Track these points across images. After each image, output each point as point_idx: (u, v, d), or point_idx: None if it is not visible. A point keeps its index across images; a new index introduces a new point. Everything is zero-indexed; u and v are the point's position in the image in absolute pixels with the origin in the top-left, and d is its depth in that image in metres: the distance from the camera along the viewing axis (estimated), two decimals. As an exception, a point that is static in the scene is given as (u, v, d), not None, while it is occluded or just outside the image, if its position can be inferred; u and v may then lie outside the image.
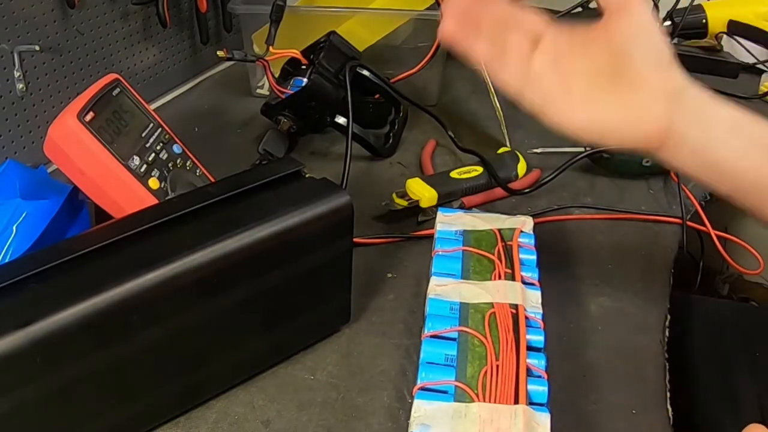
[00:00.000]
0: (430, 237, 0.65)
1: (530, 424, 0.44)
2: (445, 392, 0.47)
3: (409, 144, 0.89)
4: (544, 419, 0.45)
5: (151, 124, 0.65)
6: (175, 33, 1.01)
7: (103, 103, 0.61)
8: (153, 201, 0.61)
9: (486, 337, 0.50)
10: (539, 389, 0.47)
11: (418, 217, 0.74)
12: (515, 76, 0.48)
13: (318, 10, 0.99)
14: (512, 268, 0.57)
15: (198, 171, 0.68)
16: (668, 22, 1.15)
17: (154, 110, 0.67)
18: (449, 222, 0.63)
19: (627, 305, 0.64)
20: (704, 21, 1.14)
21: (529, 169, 0.82)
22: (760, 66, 1.17)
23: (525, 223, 0.63)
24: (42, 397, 0.41)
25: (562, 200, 0.79)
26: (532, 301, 0.55)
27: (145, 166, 0.62)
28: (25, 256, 0.55)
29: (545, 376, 0.48)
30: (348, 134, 0.79)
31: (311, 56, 0.85)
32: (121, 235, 0.46)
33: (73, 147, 0.58)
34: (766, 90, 1.08)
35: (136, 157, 0.61)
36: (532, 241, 0.62)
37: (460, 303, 0.54)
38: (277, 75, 0.87)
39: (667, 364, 0.58)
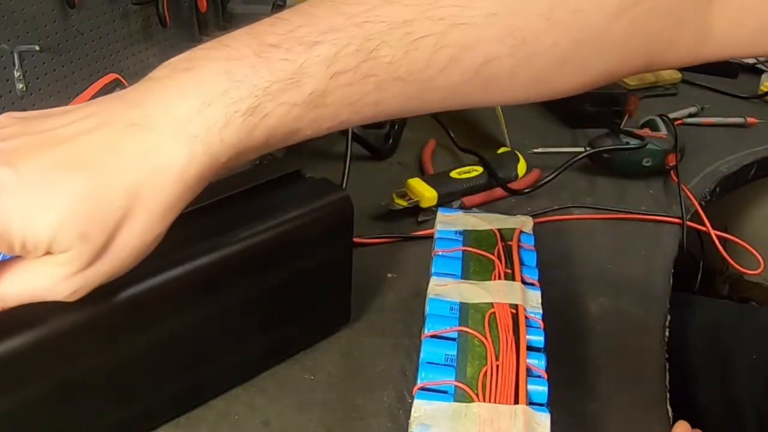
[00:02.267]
0: (430, 237, 0.65)
1: (530, 424, 0.44)
2: (445, 392, 0.47)
3: (409, 144, 0.89)
4: (544, 419, 0.45)
5: (151, 124, 0.65)
6: (175, 33, 1.01)
7: (103, 103, 0.61)
8: (153, 201, 0.61)
9: (486, 337, 0.50)
10: (539, 389, 0.47)
11: (418, 217, 0.74)
12: None
13: (318, 10, 0.99)
14: (512, 268, 0.57)
15: (198, 171, 0.67)
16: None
17: (154, 110, 0.67)
18: (449, 222, 0.63)
19: (627, 305, 0.64)
20: (704, 21, 1.14)
21: (529, 169, 0.82)
22: (760, 66, 1.17)
23: (525, 223, 0.63)
24: (42, 398, 0.41)
25: (562, 200, 0.79)
26: (532, 301, 0.55)
27: (145, 166, 0.61)
28: (25, 256, 0.55)
29: (545, 376, 0.48)
30: (348, 134, 0.79)
31: (311, 56, 0.85)
32: (121, 235, 0.46)
33: (73, 147, 0.58)
34: (766, 90, 1.08)
35: (136, 157, 0.61)
36: (532, 241, 0.61)
37: (460, 303, 0.54)
38: (277, 75, 0.86)
39: (667, 364, 0.58)
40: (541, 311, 0.54)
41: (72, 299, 0.36)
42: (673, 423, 0.53)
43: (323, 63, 0.36)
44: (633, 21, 0.41)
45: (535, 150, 0.86)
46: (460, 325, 0.51)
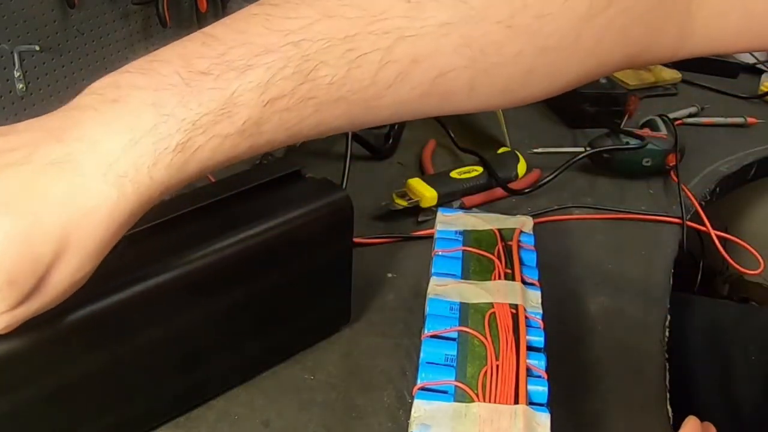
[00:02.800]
0: (430, 237, 0.65)
1: (530, 424, 0.44)
2: (445, 392, 0.47)
3: (409, 144, 0.89)
4: (544, 419, 0.45)
5: (151, 124, 0.65)
6: (175, 33, 1.01)
7: (103, 103, 0.61)
8: (153, 201, 0.61)
9: (486, 337, 0.50)
10: (539, 389, 0.47)
11: (418, 217, 0.74)
12: None
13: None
14: (512, 268, 0.57)
15: (198, 171, 0.67)
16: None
17: (154, 110, 0.67)
18: (449, 222, 0.63)
19: (627, 305, 0.64)
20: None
21: (529, 169, 0.82)
22: (760, 66, 1.17)
23: (525, 223, 0.63)
24: (42, 398, 0.41)
25: (562, 200, 0.79)
26: (532, 301, 0.55)
27: (145, 166, 0.61)
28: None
29: (545, 376, 0.48)
30: (348, 134, 0.79)
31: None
32: (121, 235, 0.46)
33: (73, 147, 0.58)
34: (766, 90, 1.08)
35: (136, 157, 0.61)
36: (532, 241, 0.61)
37: (460, 303, 0.54)
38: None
39: (667, 364, 0.58)
40: (541, 311, 0.54)
41: (3, 333, 0.35)
42: (674, 423, 0.53)
43: (256, 90, 0.34)
44: (607, 23, 0.38)
45: (535, 150, 0.86)
46: (460, 325, 0.51)
